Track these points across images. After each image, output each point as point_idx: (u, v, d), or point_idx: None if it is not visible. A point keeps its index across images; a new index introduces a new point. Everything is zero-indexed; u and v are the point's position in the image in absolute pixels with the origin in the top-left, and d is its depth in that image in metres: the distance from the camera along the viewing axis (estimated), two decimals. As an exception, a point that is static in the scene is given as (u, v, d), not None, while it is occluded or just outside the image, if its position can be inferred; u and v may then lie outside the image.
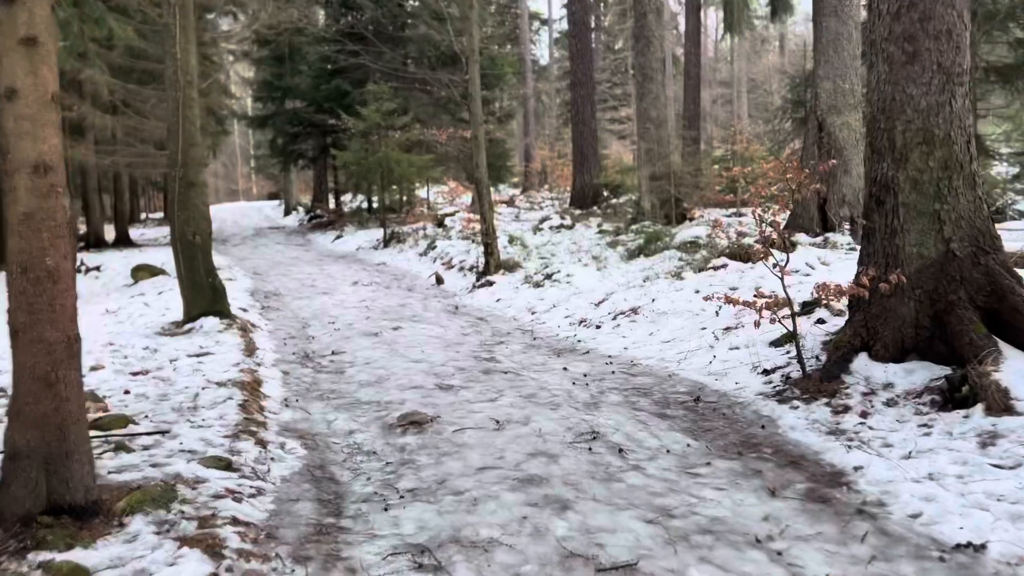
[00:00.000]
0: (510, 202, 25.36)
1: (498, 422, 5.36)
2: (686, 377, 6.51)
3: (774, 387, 5.79)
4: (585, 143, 20.45)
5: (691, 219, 14.96)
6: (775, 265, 5.84)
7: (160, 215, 38.17)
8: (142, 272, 13.46)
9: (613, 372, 6.82)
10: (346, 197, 29.01)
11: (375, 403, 5.99)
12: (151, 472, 4.00)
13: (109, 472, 3.98)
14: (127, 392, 5.72)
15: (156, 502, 3.57)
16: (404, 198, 21.48)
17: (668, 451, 4.74)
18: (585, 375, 6.72)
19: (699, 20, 24.75)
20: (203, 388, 5.84)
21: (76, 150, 13.55)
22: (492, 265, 12.42)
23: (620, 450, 4.76)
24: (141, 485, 3.76)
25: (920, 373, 5.25)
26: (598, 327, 8.75)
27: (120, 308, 10.42)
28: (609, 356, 7.51)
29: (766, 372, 6.11)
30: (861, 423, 4.89)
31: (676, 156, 15.88)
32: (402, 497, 4.13)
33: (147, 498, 3.58)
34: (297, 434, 5.24)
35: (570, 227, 16.45)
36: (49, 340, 3.32)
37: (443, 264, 14.59)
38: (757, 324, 5.67)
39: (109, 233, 26.83)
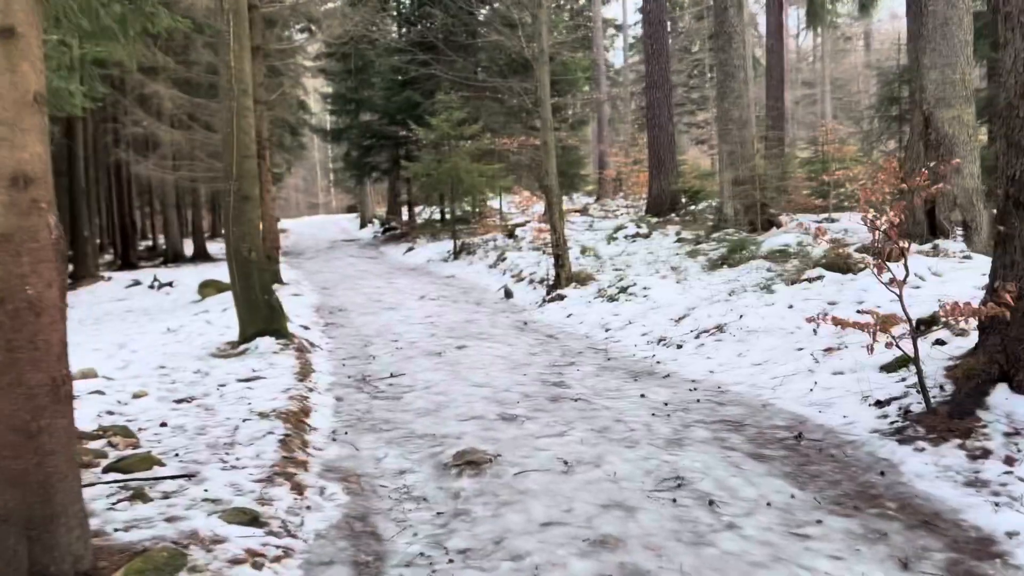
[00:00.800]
0: (583, 210, 24.61)
1: (566, 463, 4.68)
2: (783, 408, 5.69)
3: (891, 423, 4.93)
4: (662, 147, 19.54)
5: (778, 226, 13.95)
6: (891, 280, 4.99)
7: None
8: (208, 288, 13.25)
9: (698, 400, 6.06)
10: (419, 208, 28.84)
11: (431, 436, 5.39)
12: (164, 529, 3.47)
13: (116, 529, 3.47)
14: (164, 425, 5.27)
15: (160, 572, 3.03)
16: (474, 208, 21.04)
17: (768, 504, 3.97)
18: (666, 404, 5.98)
19: (781, 16, 23.57)
20: (244, 420, 5.35)
21: (143, 164, 13.56)
22: (563, 278, 11.74)
23: (710, 502, 4.02)
24: (148, 547, 3.23)
25: (1078, 410, 4.34)
26: (679, 347, 7.97)
27: (182, 326, 10.16)
28: (692, 381, 6.73)
29: (879, 404, 5.24)
30: (1007, 472, 4.03)
31: (760, 159, 14.86)
32: (451, 561, 3.49)
33: (149, 567, 3.04)
34: (340, 475, 4.67)
35: (646, 236, 15.61)
36: (30, 383, 2.82)
37: (512, 276, 13.99)
38: (871, 349, 4.82)
39: (188, 247, 27.31)
